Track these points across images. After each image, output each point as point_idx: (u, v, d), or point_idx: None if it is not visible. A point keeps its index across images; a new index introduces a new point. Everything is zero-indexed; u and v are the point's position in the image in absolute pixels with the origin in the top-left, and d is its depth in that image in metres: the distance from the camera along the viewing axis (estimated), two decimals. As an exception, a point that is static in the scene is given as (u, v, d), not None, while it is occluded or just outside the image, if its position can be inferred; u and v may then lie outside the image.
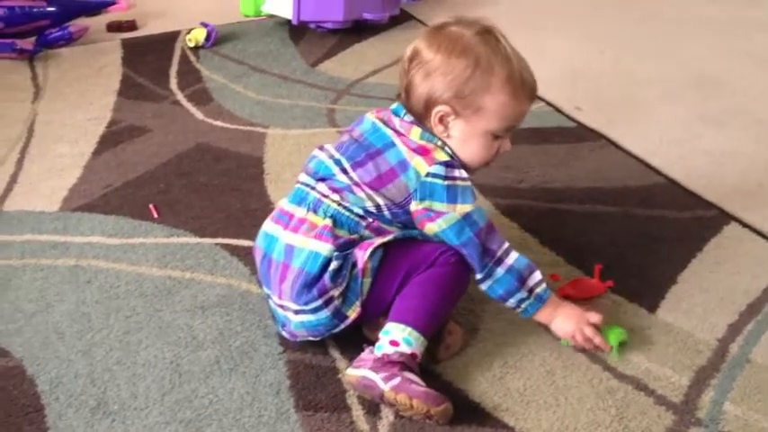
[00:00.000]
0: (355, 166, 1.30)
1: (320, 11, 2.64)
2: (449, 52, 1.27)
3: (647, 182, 1.81)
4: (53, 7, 2.60)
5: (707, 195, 1.74)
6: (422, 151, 1.28)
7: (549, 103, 2.17)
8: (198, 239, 1.64)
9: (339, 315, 1.28)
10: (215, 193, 1.81)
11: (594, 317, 1.31)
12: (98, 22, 2.83)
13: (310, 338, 1.32)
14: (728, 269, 1.51)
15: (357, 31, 2.71)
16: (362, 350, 1.26)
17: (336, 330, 1.30)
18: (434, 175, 1.26)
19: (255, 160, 1.94)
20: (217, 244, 1.62)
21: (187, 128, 2.12)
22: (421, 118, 1.31)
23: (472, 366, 1.30)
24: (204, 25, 2.64)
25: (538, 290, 1.29)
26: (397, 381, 1.18)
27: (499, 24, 1.34)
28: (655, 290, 1.46)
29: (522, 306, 1.29)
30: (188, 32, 2.66)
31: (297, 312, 1.29)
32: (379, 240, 1.28)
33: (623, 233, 1.63)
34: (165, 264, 1.56)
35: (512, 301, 1.29)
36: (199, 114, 2.19)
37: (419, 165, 1.27)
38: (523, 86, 1.30)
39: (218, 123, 2.14)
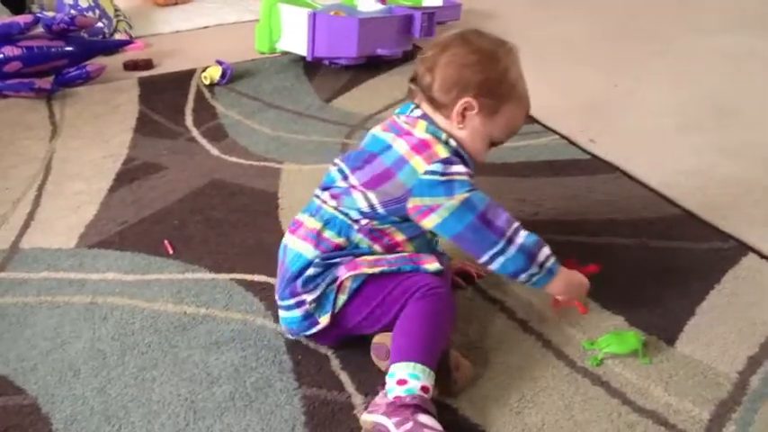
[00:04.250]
0: (354, 170, 1.37)
1: (334, 47, 2.66)
2: (487, 54, 1.36)
3: (664, 213, 1.80)
4: (71, 47, 2.65)
5: (724, 226, 1.72)
6: (423, 146, 1.32)
7: (563, 136, 2.18)
8: (213, 275, 1.64)
9: (311, 318, 1.36)
10: (230, 228, 1.81)
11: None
12: (115, 60, 2.87)
13: (289, 336, 1.42)
14: (747, 301, 1.50)
15: (371, 66, 2.73)
16: (378, 385, 1.26)
17: (309, 333, 1.37)
18: (432, 173, 1.29)
19: (270, 195, 1.95)
20: (232, 279, 1.62)
21: (202, 164, 2.13)
22: (438, 107, 1.35)
23: (489, 400, 1.28)
24: (219, 63, 2.67)
25: (548, 264, 1.32)
26: (409, 425, 1.17)
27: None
28: (673, 322, 1.44)
29: (533, 279, 1.32)
30: (203, 70, 2.69)
31: (280, 308, 1.41)
32: (365, 268, 1.32)
33: (640, 265, 1.61)
34: (181, 300, 1.56)
35: (523, 277, 1.32)
36: (214, 151, 2.21)
37: (417, 163, 1.30)
38: (528, 107, 1.42)
39: (233, 159, 2.15)
